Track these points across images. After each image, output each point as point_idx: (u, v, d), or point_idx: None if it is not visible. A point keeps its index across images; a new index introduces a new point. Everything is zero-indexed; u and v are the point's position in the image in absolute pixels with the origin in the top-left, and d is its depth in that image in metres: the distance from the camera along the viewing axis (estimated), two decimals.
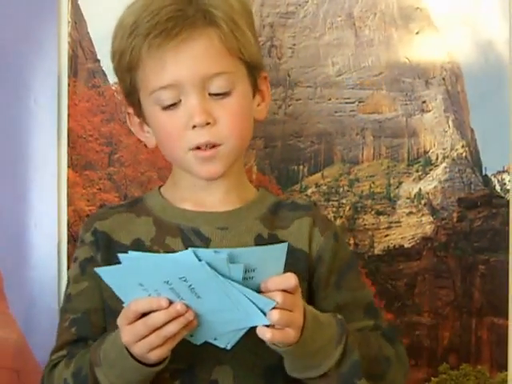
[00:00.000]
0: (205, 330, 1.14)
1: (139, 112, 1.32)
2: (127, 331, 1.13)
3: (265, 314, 1.09)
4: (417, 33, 1.78)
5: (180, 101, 1.25)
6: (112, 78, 1.79)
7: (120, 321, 1.14)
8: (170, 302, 1.10)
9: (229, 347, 1.16)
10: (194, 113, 1.24)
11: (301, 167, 1.80)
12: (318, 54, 1.79)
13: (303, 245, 1.31)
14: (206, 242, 1.30)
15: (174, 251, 1.26)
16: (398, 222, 1.79)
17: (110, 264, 1.28)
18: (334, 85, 1.79)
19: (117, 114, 1.79)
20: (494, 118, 1.76)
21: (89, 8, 1.79)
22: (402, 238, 1.79)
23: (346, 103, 1.79)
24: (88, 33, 1.80)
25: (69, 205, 1.79)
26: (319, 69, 1.80)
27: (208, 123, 1.25)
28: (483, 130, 1.77)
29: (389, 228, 1.79)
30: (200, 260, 1.05)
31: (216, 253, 1.05)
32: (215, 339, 1.16)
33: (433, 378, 1.79)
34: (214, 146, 1.26)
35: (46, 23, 1.79)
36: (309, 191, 1.80)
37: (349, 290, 1.33)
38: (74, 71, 1.79)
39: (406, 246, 1.79)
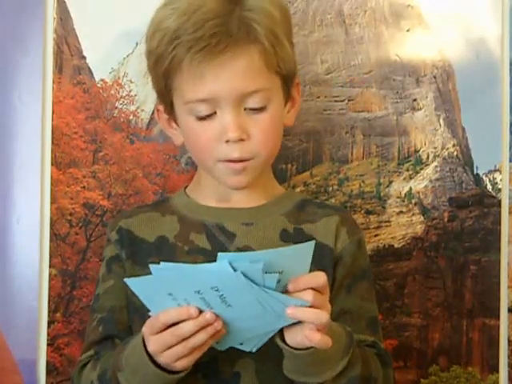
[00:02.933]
0: (231, 336, 1.14)
1: (170, 112, 1.33)
2: (154, 341, 1.13)
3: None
4: (407, 30, 1.78)
5: (215, 113, 1.26)
6: (98, 75, 1.77)
7: (146, 330, 1.14)
8: (200, 311, 1.09)
9: (254, 350, 1.16)
10: (228, 128, 1.25)
11: (289, 166, 1.78)
12: (307, 51, 1.78)
13: (330, 241, 1.33)
14: (230, 238, 1.31)
15: (198, 247, 1.32)
16: (388, 221, 1.78)
17: (134, 260, 1.33)
18: (323, 83, 1.78)
19: (102, 111, 1.77)
20: (485, 116, 1.76)
21: (75, 4, 1.77)
22: (392, 237, 1.77)
23: (336, 101, 1.78)
24: (74, 29, 1.78)
25: (52, 202, 1.76)
26: (308, 66, 1.78)
27: (242, 139, 1.25)
28: (475, 129, 1.77)
29: (379, 228, 1.78)
30: (235, 270, 1.04)
31: (252, 263, 1.04)
32: (241, 344, 1.16)
33: (422, 380, 1.77)
34: (243, 160, 1.27)
35: (31, 19, 1.77)
36: (297, 190, 1.78)
37: (357, 297, 1.34)
38: (59, 68, 1.77)
39: (396, 245, 1.77)
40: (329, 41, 1.78)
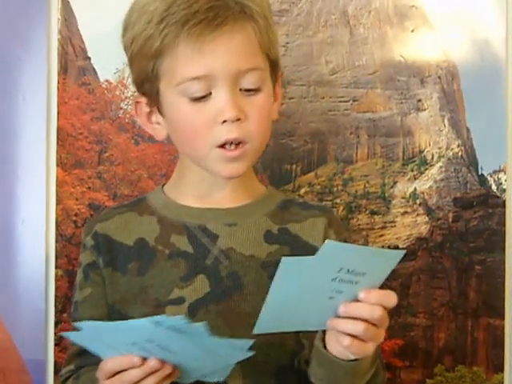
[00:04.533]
0: (191, 372, 1.11)
1: (154, 102, 1.28)
2: None
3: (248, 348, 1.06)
4: (412, 31, 1.77)
5: (210, 94, 1.22)
6: (102, 76, 1.77)
7: (99, 374, 1.12)
8: (144, 359, 1.06)
9: (222, 380, 1.13)
10: (225, 107, 1.21)
11: (294, 166, 1.78)
12: (311, 52, 1.78)
13: (317, 242, 1.29)
14: (213, 239, 1.28)
15: (179, 250, 1.27)
16: (393, 221, 1.78)
17: (113, 267, 1.29)
18: (328, 83, 1.78)
19: (107, 112, 1.78)
20: (490, 116, 1.76)
21: (79, 5, 1.77)
22: (396, 238, 1.77)
23: (340, 102, 1.78)
24: (78, 30, 1.78)
25: (57, 203, 1.77)
26: (313, 67, 1.78)
27: (238, 119, 1.22)
28: (479, 129, 1.77)
29: (383, 228, 1.77)
30: (159, 326, 1.01)
31: (173, 317, 1.01)
32: (205, 377, 1.13)
33: (428, 380, 1.77)
34: (239, 143, 1.23)
35: (35, 20, 1.78)
36: (302, 191, 1.78)
37: None
38: (63, 68, 1.78)
39: (400, 246, 1.77)
40: (333, 41, 1.78)
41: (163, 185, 1.36)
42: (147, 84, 1.27)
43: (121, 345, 1.06)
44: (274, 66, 1.28)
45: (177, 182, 1.34)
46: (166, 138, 1.31)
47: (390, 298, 1.08)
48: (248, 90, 1.23)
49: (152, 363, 1.06)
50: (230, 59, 1.21)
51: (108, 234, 1.31)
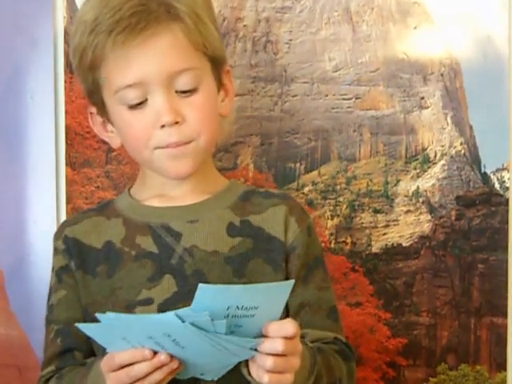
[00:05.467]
0: (190, 369, 1.13)
1: (103, 112, 1.29)
2: (111, 378, 1.12)
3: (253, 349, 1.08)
4: (415, 28, 1.76)
5: (146, 100, 1.23)
6: None
7: (103, 367, 1.13)
8: (155, 352, 1.08)
9: (216, 379, 1.15)
10: (161, 112, 1.22)
11: (297, 165, 1.78)
12: (314, 49, 1.77)
13: (279, 233, 1.29)
14: (176, 238, 1.28)
15: (144, 251, 1.28)
16: (396, 220, 1.77)
17: (84, 270, 1.30)
18: (331, 81, 1.77)
19: None
20: (493, 114, 1.74)
21: None
22: (399, 236, 1.77)
23: (343, 99, 1.77)
24: None
25: (67, 203, 1.78)
26: (316, 64, 1.78)
27: (177, 122, 1.22)
28: (482, 127, 1.75)
29: (386, 226, 1.77)
30: (183, 321, 1.03)
31: (197, 313, 1.03)
32: (202, 374, 1.15)
33: (431, 379, 1.78)
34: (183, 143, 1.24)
35: (41, 18, 1.78)
36: (305, 189, 1.78)
37: (315, 288, 1.31)
38: (70, 67, 1.78)
39: (403, 244, 1.77)
40: (336, 39, 1.77)
41: (129, 188, 1.37)
42: (93, 94, 1.28)
43: (135, 338, 1.07)
44: (214, 62, 1.27)
45: (141, 184, 1.35)
46: (120, 145, 1.32)
47: (287, 328, 1.08)
48: (184, 92, 1.23)
49: (162, 357, 1.07)
50: (159, 62, 1.21)
51: (77, 238, 1.32)
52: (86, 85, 1.29)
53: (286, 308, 1.14)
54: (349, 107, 1.77)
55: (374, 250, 1.77)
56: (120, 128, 1.28)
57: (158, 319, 1.05)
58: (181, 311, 1.03)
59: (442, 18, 1.75)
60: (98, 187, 1.79)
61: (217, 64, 1.28)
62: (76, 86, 1.78)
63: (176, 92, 1.23)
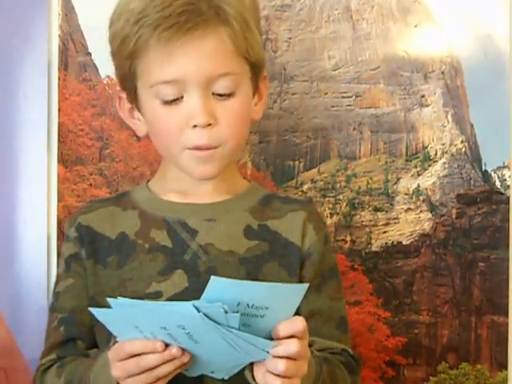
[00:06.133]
0: (201, 365, 1.11)
1: (133, 99, 1.28)
2: (118, 367, 1.10)
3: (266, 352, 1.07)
4: (415, 26, 1.77)
5: (182, 97, 1.22)
6: (103, 72, 1.77)
7: (111, 355, 1.11)
8: (166, 345, 1.07)
9: (226, 378, 1.14)
10: (196, 112, 1.21)
11: (296, 163, 1.78)
12: (314, 47, 1.77)
13: (296, 239, 1.29)
14: (192, 234, 1.28)
15: (158, 244, 1.28)
16: (396, 218, 1.77)
17: (95, 259, 1.29)
18: (331, 79, 1.77)
19: (108, 108, 1.77)
20: (493, 112, 1.75)
21: (80, 0, 1.76)
22: (400, 234, 1.77)
23: (343, 97, 1.77)
24: (79, 25, 1.77)
25: (59, 201, 1.76)
26: (315, 63, 1.78)
27: (209, 124, 1.22)
28: (483, 125, 1.76)
29: (387, 224, 1.77)
30: (199, 311, 1.01)
31: (212, 304, 1.01)
32: (212, 372, 1.13)
33: (431, 378, 1.77)
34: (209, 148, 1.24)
35: (36, 15, 1.77)
36: (305, 187, 1.78)
37: (327, 297, 1.31)
38: (64, 64, 1.77)
39: (404, 242, 1.77)
40: (336, 37, 1.77)
41: (148, 180, 1.37)
42: (126, 81, 1.27)
43: (149, 327, 1.06)
44: (254, 67, 1.27)
45: (160, 178, 1.34)
46: (146, 134, 1.31)
47: (297, 324, 1.07)
48: (221, 95, 1.23)
49: (174, 351, 1.06)
50: (201, 64, 1.21)
51: (91, 226, 1.31)
52: (121, 71, 1.27)
53: (297, 314, 1.13)
54: (349, 105, 1.77)
55: (374, 248, 1.77)
56: (151, 121, 1.27)
57: (174, 308, 1.03)
58: (196, 301, 1.01)
59: (442, 16, 1.76)
60: (90, 185, 1.77)
61: (256, 69, 1.28)
62: (70, 84, 1.76)
63: (213, 94, 1.23)
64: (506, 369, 1.77)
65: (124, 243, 1.29)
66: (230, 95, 1.23)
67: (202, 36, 1.20)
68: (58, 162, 1.76)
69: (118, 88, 1.32)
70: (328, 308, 1.31)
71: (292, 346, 1.06)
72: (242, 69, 1.25)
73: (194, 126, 1.22)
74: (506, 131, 1.75)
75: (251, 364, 1.10)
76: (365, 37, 1.77)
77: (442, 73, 1.77)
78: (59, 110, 1.76)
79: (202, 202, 1.30)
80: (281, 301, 1.05)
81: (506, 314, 1.76)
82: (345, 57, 1.77)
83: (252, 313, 1.04)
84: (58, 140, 1.76)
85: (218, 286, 1.02)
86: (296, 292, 1.05)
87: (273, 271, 1.27)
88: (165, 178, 1.33)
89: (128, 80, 1.27)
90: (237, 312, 1.03)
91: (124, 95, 1.30)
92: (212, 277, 1.01)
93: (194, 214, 1.29)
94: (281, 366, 1.06)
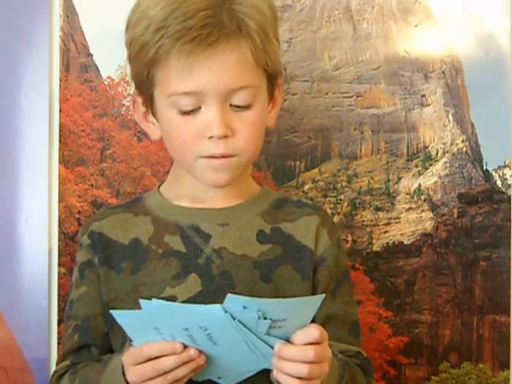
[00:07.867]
0: (210, 369, 1.12)
1: (149, 104, 1.28)
2: (134, 371, 1.11)
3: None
4: (416, 26, 1.77)
5: (200, 108, 1.22)
6: (105, 73, 1.77)
7: (126, 359, 1.12)
8: (184, 346, 1.08)
9: None
10: (213, 124, 1.21)
11: (297, 163, 1.78)
12: (314, 47, 1.78)
13: (309, 242, 1.30)
14: (205, 239, 1.28)
15: (172, 249, 1.28)
16: (398, 218, 1.77)
17: (109, 266, 1.30)
18: (332, 79, 1.77)
19: (109, 109, 1.77)
20: (494, 111, 1.75)
21: (81, 1, 1.77)
22: (401, 234, 1.77)
23: (344, 97, 1.77)
24: (80, 27, 1.77)
25: (60, 201, 1.76)
26: (316, 63, 1.78)
27: (226, 136, 1.22)
28: (484, 125, 1.76)
29: (388, 224, 1.77)
30: (226, 312, 1.03)
31: (246, 309, 1.03)
32: (219, 378, 1.14)
33: (433, 377, 1.77)
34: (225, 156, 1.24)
35: (37, 16, 1.77)
36: (306, 187, 1.78)
37: (342, 301, 1.32)
38: (65, 65, 1.77)
39: (405, 242, 1.77)
40: (337, 37, 1.78)
41: (159, 185, 1.37)
42: (143, 87, 1.27)
43: (169, 329, 1.06)
44: (271, 77, 1.27)
45: (172, 184, 1.35)
46: (159, 139, 1.31)
47: (312, 332, 1.08)
48: (238, 107, 1.23)
49: (192, 352, 1.07)
50: (221, 78, 1.20)
51: (104, 233, 1.32)
52: (139, 76, 1.26)
53: (312, 320, 1.14)
54: (349, 105, 1.78)
55: (375, 247, 1.77)
56: (166, 129, 1.27)
57: (205, 310, 1.04)
58: (228, 306, 1.02)
59: (443, 15, 1.76)
60: (91, 185, 1.77)
61: (273, 78, 1.28)
62: (71, 85, 1.77)
63: (230, 105, 1.23)
64: (509, 368, 1.77)
65: (137, 249, 1.29)
66: (247, 107, 1.23)
67: (224, 50, 1.20)
68: (59, 162, 1.76)
69: (133, 90, 1.31)
70: (343, 312, 1.32)
71: (310, 352, 1.07)
72: (260, 81, 1.25)
73: (210, 137, 1.22)
74: (507, 130, 1.75)
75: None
76: (365, 37, 1.77)
77: (443, 72, 1.77)
78: (60, 110, 1.77)
79: (215, 206, 1.30)
80: (298, 312, 1.07)
81: (508, 314, 1.76)
82: (345, 57, 1.77)
83: (270, 324, 1.05)
84: (60, 141, 1.76)
85: (233, 304, 1.03)
86: (313, 303, 1.07)
87: (286, 274, 1.28)
88: (177, 183, 1.33)
89: (144, 86, 1.26)
90: (265, 318, 1.04)
91: (139, 98, 1.30)
92: (228, 294, 1.02)
93: (206, 219, 1.29)
94: (304, 370, 1.07)
